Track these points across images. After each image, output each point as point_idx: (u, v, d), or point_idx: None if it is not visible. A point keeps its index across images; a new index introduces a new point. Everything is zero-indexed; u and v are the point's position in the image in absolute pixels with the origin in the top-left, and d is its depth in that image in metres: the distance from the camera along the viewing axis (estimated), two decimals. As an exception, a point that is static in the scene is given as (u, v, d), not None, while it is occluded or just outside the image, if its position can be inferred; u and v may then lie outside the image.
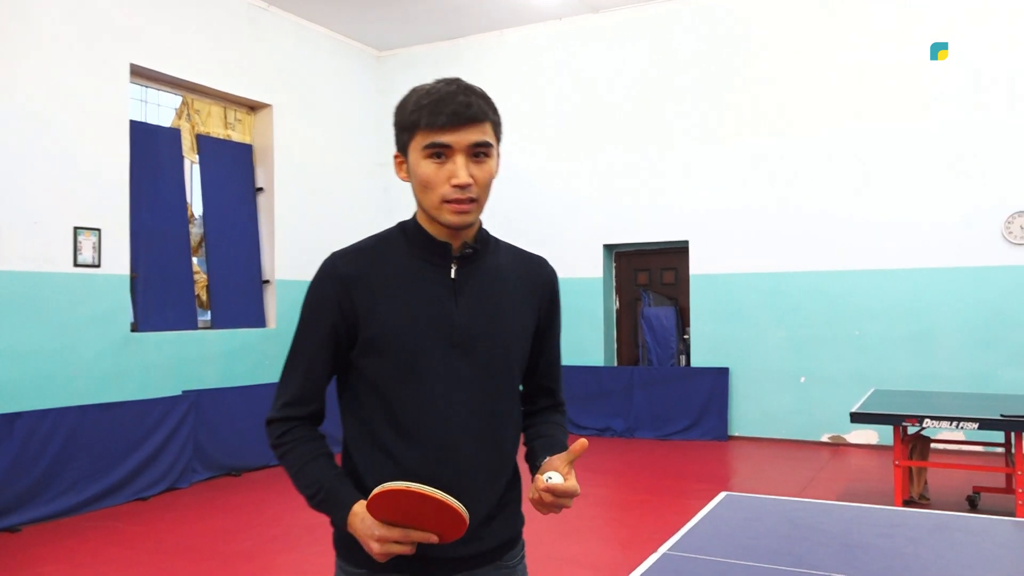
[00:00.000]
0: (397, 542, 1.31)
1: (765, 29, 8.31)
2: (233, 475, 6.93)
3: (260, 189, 8.65)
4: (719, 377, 8.35)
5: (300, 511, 5.68)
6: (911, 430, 5.31)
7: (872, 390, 6.46)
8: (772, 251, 8.24)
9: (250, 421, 7.10)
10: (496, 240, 1.60)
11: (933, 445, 6.22)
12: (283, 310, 8.58)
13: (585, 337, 9.02)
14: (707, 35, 8.57)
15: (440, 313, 1.45)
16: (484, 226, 1.56)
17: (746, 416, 8.36)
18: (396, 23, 9.34)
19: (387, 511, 1.29)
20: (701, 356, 8.59)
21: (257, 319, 8.50)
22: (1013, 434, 5.02)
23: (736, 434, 8.40)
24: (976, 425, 4.76)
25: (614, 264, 9.34)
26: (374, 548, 1.32)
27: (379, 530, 1.31)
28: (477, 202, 1.43)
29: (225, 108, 8.36)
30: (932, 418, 4.90)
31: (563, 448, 1.51)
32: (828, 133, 8.02)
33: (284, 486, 6.47)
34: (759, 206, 8.29)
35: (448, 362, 1.45)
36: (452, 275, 1.48)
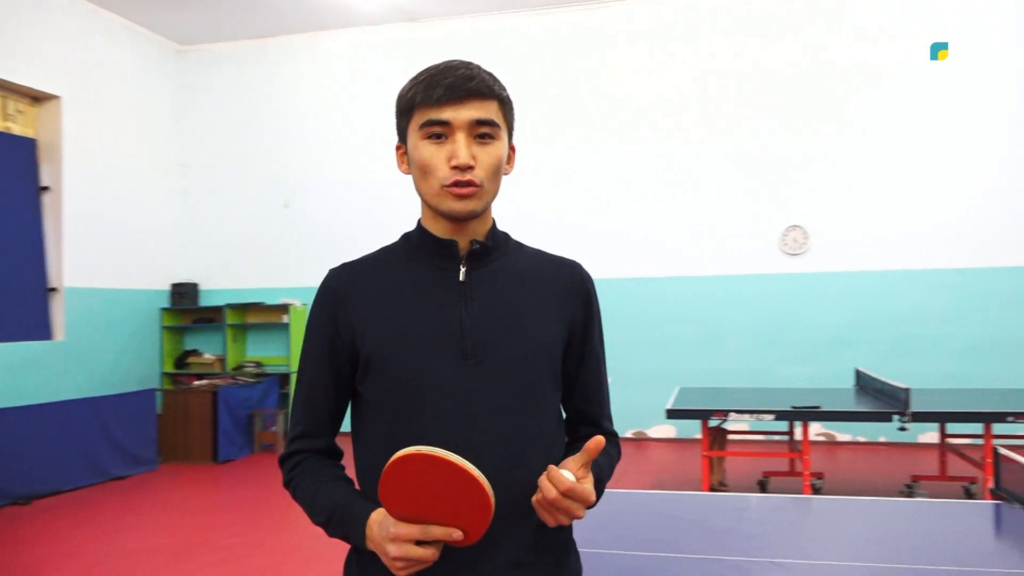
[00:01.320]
0: (416, 542, 1.12)
1: (571, 48, 8.78)
2: (21, 504, 6.25)
3: (46, 188, 7.86)
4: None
5: (103, 541, 5.26)
6: (714, 424, 5.86)
7: (678, 388, 7.02)
8: (585, 258, 8.66)
9: (40, 443, 6.45)
10: (518, 243, 1.44)
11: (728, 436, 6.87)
12: (72, 320, 7.86)
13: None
14: (522, 50, 8.90)
15: (448, 320, 1.27)
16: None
17: (559, 416, 8.75)
18: (200, 17, 8.86)
19: (401, 500, 1.11)
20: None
21: (42, 330, 7.72)
22: (799, 423, 5.72)
23: (549, 434, 8.76)
24: (772, 416, 5.34)
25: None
26: (391, 551, 1.11)
27: (394, 527, 1.12)
28: (482, 188, 1.27)
29: (4, 98, 7.52)
30: (736, 411, 5.44)
31: (598, 469, 1.30)
32: (638, 147, 8.62)
33: (86, 514, 5.95)
34: (572, 213, 8.72)
35: (458, 376, 1.25)
36: (461, 278, 1.31)
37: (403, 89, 1.32)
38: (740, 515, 2.91)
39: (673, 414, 5.57)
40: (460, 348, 1.27)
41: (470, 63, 1.29)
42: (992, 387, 7.13)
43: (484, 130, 1.26)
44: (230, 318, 9.14)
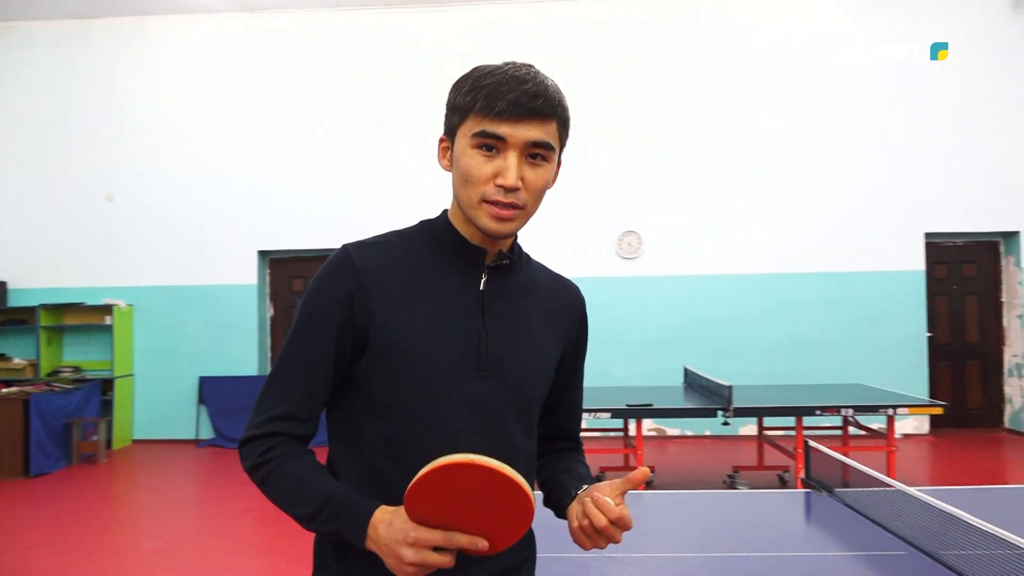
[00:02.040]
0: (437, 549, 1.07)
1: (423, 42, 8.77)
2: None
3: None
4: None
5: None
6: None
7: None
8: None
9: None
10: (528, 256, 1.41)
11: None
12: None
13: (238, 346, 8.68)
14: (361, 44, 8.78)
15: (466, 329, 1.24)
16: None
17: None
18: (11, -9, 8.13)
19: (430, 506, 1.05)
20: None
21: None
22: (633, 420, 6.01)
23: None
24: (609, 415, 5.58)
25: (268, 271, 9.12)
26: (407, 556, 1.06)
27: (415, 532, 1.06)
28: (523, 210, 1.22)
29: None
30: (574, 411, 5.63)
31: (592, 482, 1.30)
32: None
33: None
34: (418, 216, 8.69)
35: (470, 388, 1.23)
36: (481, 287, 1.28)
37: (461, 85, 1.23)
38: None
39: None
40: (475, 360, 1.24)
41: (538, 74, 1.20)
42: (801, 383, 7.79)
43: (539, 151, 1.21)
44: (44, 320, 8.44)
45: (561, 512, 1.32)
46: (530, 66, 1.22)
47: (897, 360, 8.35)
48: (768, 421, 6.52)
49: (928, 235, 8.50)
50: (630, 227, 8.59)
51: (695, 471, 6.94)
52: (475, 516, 1.06)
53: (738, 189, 8.51)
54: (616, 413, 5.59)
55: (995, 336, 8.73)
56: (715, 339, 8.47)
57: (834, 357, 8.38)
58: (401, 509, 1.11)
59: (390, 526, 1.10)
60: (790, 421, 5.96)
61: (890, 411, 5.53)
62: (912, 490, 2.90)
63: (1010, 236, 8.55)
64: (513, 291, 1.32)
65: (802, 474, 4.21)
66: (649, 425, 8.43)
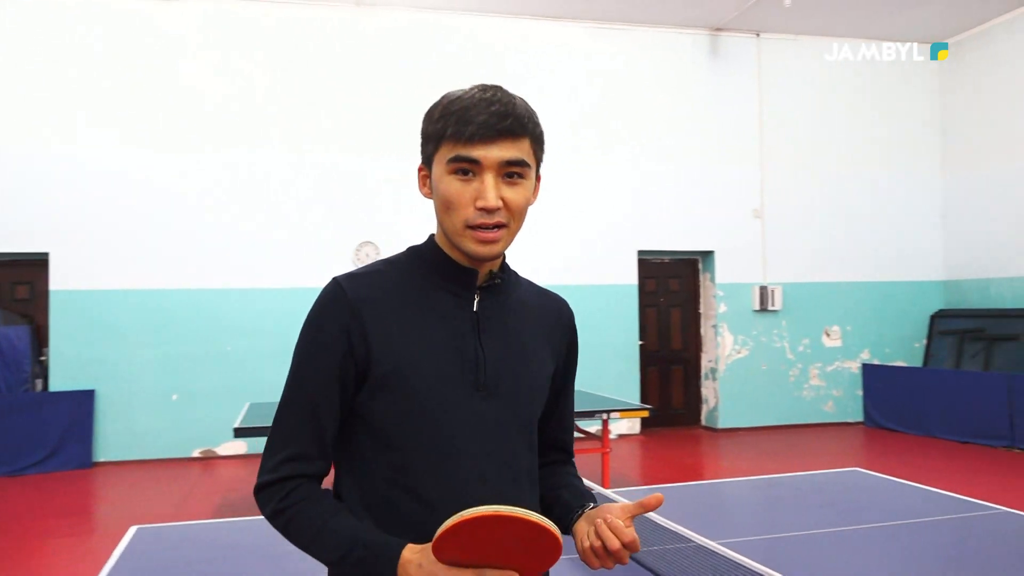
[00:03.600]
0: None
1: (178, 44, 8.10)
2: None
3: None
4: (83, 401, 7.78)
5: None
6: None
7: (248, 404, 6.84)
8: (146, 267, 8.04)
9: None
10: (516, 273, 1.42)
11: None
12: None
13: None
14: (118, 39, 7.95)
15: (464, 350, 1.25)
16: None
17: (114, 439, 7.96)
18: None
19: (459, 550, 1.07)
20: (62, 380, 7.88)
21: None
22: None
23: (103, 459, 7.93)
24: (341, 429, 5.48)
25: (-52, 276, 7.91)
26: None
27: (446, 573, 1.09)
28: (507, 229, 1.24)
29: None
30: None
31: (592, 498, 1.33)
32: (212, 155, 8.20)
33: None
34: (130, 220, 8.01)
35: (472, 409, 1.24)
36: (475, 307, 1.28)
37: (431, 114, 1.24)
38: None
39: (242, 432, 5.41)
40: (474, 381, 1.25)
41: (506, 94, 1.21)
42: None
43: (514, 169, 1.21)
44: None
45: (563, 528, 1.32)
46: (497, 87, 1.23)
47: (614, 366, 9.06)
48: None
49: (640, 252, 9.34)
50: (367, 237, 8.54)
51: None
52: (505, 554, 1.09)
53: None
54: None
55: (695, 343, 9.79)
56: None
57: (559, 365, 8.91)
58: (428, 549, 1.12)
59: (420, 568, 1.11)
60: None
61: (604, 415, 5.98)
62: (609, 492, 3.14)
63: (707, 255, 9.65)
64: (506, 310, 1.33)
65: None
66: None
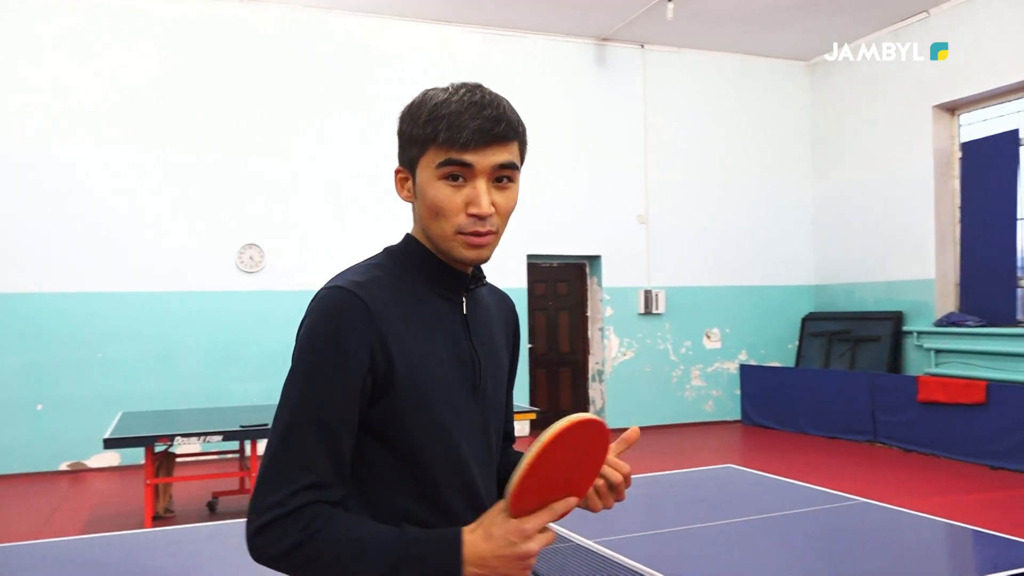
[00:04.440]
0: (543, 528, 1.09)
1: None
2: None
3: None
4: (-64, 413, 7.23)
5: None
6: (160, 449, 5.59)
7: (120, 413, 6.52)
8: (9, 269, 7.56)
9: None
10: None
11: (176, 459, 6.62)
12: None
13: None
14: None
15: (462, 354, 1.24)
16: None
17: (-29, 454, 7.44)
18: None
19: (533, 492, 1.05)
20: (-89, 390, 7.30)
21: None
22: (248, 441, 5.79)
23: (-42, 476, 7.40)
24: (221, 437, 5.30)
25: None
26: (534, 548, 1.07)
27: (526, 523, 1.07)
28: (496, 234, 1.22)
29: None
30: (182, 435, 5.26)
31: None
32: (82, 152, 7.78)
33: None
34: (-9, 220, 7.51)
35: (473, 412, 1.25)
36: (464, 310, 1.28)
37: (416, 116, 1.19)
38: (177, 548, 2.83)
39: (112, 443, 5.16)
40: (471, 385, 1.25)
41: (495, 97, 1.19)
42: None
43: (505, 173, 1.20)
44: None
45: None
46: (481, 87, 1.21)
47: (503, 370, 9.12)
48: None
49: (530, 256, 9.46)
50: (251, 240, 8.31)
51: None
52: (564, 479, 1.09)
53: (364, 205, 8.62)
54: (228, 435, 5.33)
55: (582, 346, 9.98)
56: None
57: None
58: (488, 517, 1.11)
59: (490, 537, 1.08)
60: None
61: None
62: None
63: (594, 259, 9.86)
64: (481, 310, 1.33)
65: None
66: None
